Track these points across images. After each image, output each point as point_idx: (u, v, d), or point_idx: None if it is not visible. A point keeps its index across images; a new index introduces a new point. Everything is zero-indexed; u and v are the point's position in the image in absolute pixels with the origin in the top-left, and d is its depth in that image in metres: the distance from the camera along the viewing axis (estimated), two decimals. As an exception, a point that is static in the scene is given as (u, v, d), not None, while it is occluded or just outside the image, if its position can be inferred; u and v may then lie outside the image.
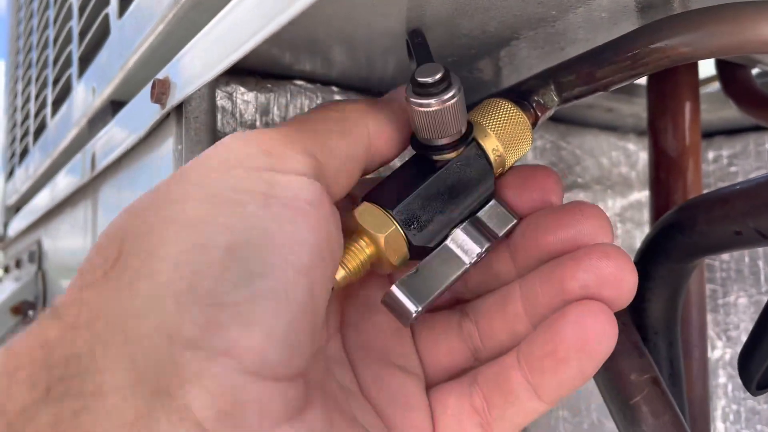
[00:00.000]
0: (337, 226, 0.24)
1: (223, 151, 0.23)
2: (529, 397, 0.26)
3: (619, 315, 0.34)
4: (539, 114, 0.30)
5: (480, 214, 0.28)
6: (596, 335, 0.24)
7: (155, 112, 0.34)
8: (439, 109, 0.26)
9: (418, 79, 0.26)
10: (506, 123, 0.29)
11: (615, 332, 0.24)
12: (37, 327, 0.20)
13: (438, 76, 0.25)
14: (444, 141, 0.27)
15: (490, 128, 0.29)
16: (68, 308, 0.20)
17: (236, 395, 0.19)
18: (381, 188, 0.28)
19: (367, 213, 0.26)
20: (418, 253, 0.27)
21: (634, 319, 0.36)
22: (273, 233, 0.21)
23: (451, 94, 0.25)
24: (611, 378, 0.32)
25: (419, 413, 0.27)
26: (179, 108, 0.33)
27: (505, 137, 0.29)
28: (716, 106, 0.53)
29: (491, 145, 0.29)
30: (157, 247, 0.20)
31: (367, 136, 0.26)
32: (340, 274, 0.26)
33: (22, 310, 0.87)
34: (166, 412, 0.18)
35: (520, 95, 0.30)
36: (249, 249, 0.21)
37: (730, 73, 0.43)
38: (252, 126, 0.36)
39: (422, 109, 0.26)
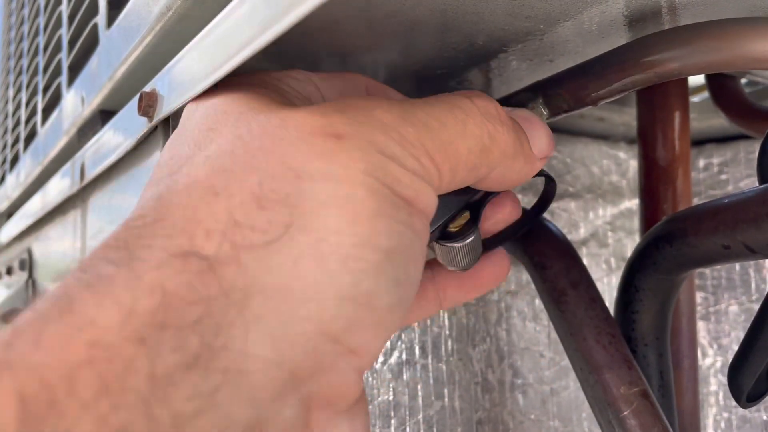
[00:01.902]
0: None
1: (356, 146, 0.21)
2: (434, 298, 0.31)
3: (608, 327, 0.34)
4: (528, 127, 0.30)
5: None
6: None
7: (143, 124, 0.34)
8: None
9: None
10: None
11: None
12: (180, 276, 0.18)
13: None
14: None
15: None
16: (224, 267, 0.18)
17: (349, 391, 0.20)
18: None
19: None
20: None
21: (623, 330, 0.36)
22: (414, 246, 0.21)
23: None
24: (600, 391, 0.32)
25: None
26: (167, 120, 0.33)
27: None
28: (706, 114, 0.53)
29: None
30: (328, 232, 0.19)
31: (487, 147, 0.25)
32: None
33: (12, 318, 0.86)
34: (294, 397, 0.19)
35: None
36: (400, 257, 0.21)
37: (719, 83, 0.43)
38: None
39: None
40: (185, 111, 0.27)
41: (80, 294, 0.17)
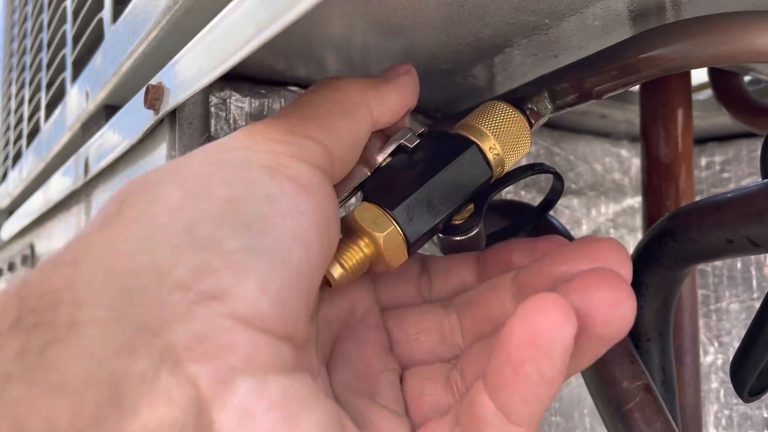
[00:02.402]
0: (335, 211, 0.24)
1: (229, 140, 0.24)
2: (501, 423, 0.22)
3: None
4: (533, 121, 0.30)
5: None
6: (546, 327, 0.19)
7: (149, 117, 0.34)
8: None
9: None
10: (504, 124, 0.29)
11: (571, 325, 0.19)
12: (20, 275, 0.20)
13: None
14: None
15: (488, 129, 0.29)
16: (52, 255, 0.20)
17: (222, 338, 0.19)
18: (380, 186, 0.28)
19: (366, 212, 0.27)
20: (414, 248, 0.27)
21: (626, 325, 0.36)
22: (275, 198, 0.22)
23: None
24: (603, 385, 0.32)
25: None
26: (173, 114, 0.33)
27: (503, 137, 0.29)
28: (709, 113, 0.53)
29: (488, 144, 0.29)
30: (156, 197, 0.20)
31: (371, 117, 0.27)
32: (338, 271, 0.26)
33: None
34: (147, 349, 0.18)
35: (514, 102, 0.30)
36: (250, 205, 0.21)
37: (723, 80, 0.43)
38: (246, 132, 0.36)
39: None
40: None
41: None
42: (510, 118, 0.29)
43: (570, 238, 0.36)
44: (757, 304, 0.54)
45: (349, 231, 0.27)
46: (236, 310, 0.19)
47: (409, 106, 0.29)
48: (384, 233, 0.26)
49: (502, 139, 0.29)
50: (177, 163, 0.22)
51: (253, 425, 0.19)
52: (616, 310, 0.21)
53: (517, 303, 0.25)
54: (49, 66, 0.71)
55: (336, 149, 0.25)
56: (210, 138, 0.35)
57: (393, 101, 0.28)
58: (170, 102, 0.32)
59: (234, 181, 0.21)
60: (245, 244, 0.20)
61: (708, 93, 0.50)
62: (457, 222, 0.29)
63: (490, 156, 0.29)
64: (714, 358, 0.57)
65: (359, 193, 0.29)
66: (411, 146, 0.28)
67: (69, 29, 0.60)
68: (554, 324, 0.19)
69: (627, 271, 0.23)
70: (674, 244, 0.33)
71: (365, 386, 0.27)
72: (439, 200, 0.27)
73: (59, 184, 0.63)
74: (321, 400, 0.21)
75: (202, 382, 0.18)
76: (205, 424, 0.18)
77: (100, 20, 0.49)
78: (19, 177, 0.98)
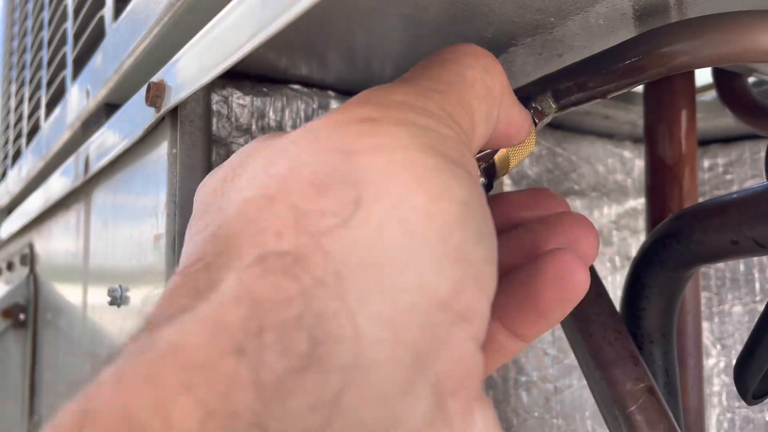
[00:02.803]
0: None
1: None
2: (510, 339, 0.25)
3: (614, 323, 0.34)
4: (536, 121, 0.30)
5: None
6: (580, 283, 0.24)
7: (150, 115, 0.34)
8: None
9: None
10: None
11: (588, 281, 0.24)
12: (266, 277, 0.16)
13: None
14: None
15: None
16: (310, 257, 0.17)
17: (471, 365, 0.18)
18: None
19: None
20: None
21: (629, 327, 0.36)
22: (482, 196, 0.20)
23: None
24: (606, 387, 0.32)
25: None
26: (174, 111, 0.33)
27: None
28: (712, 114, 0.53)
29: None
30: (400, 196, 0.18)
31: (488, 85, 0.24)
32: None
33: (13, 313, 0.86)
34: (424, 385, 0.17)
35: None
36: (476, 206, 0.19)
37: (727, 81, 0.43)
38: (247, 131, 0.36)
39: None
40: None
41: (159, 330, 0.15)
42: None
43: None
44: (760, 307, 0.54)
45: None
46: (478, 332, 0.18)
47: None
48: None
49: None
50: (384, 148, 0.19)
51: None
52: (576, 292, 0.24)
53: None
54: (49, 64, 0.71)
55: (475, 132, 0.24)
56: (212, 136, 0.34)
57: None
58: (172, 99, 0.31)
59: (462, 183, 0.19)
60: (484, 254, 0.19)
61: (711, 94, 0.50)
62: None
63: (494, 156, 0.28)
64: (716, 360, 0.56)
65: None
66: None
67: (70, 27, 0.59)
68: (584, 280, 0.24)
69: (593, 250, 0.27)
70: (678, 245, 0.32)
71: None
72: None
73: (59, 183, 0.63)
74: None
75: (456, 418, 0.18)
76: None
77: (101, 18, 0.48)
78: (18, 175, 0.97)
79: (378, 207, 0.18)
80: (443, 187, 0.18)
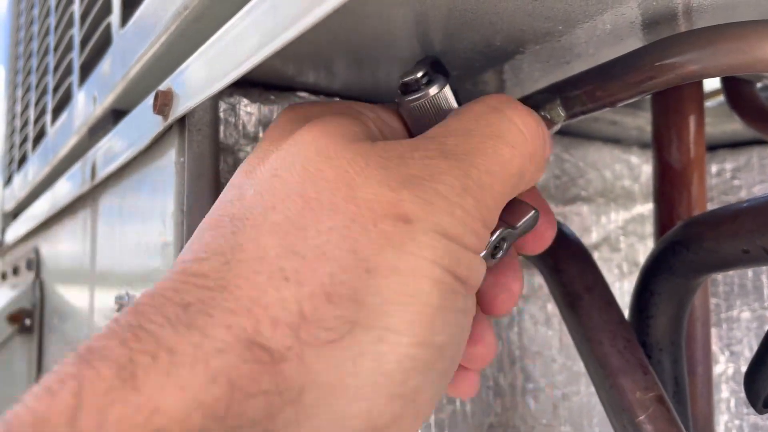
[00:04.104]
0: None
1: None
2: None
3: (623, 331, 0.34)
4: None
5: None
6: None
7: (157, 123, 0.34)
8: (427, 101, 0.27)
9: (403, 80, 0.28)
10: None
11: None
12: (246, 365, 0.17)
13: (420, 73, 0.28)
14: None
15: None
16: (286, 363, 0.18)
17: None
18: None
19: None
20: None
21: (638, 335, 0.36)
22: (465, 329, 0.22)
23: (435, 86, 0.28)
24: (615, 396, 0.32)
25: None
26: (182, 119, 0.33)
27: None
28: (719, 120, 0.53)
29: None
30: (389, 331, 0.19)
31: (525, 169, 0.25)
32: None
33: (20, 318, 0.86)
34: None
35: (526, 110, 0.30)
36: (452, 350, 0.21)
37: (735, 87, 0.42)
38: (254, 138, 0.36)
39: (412, 103, 0.28)
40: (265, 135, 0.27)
41: (145, 369, 0.17)
42: None
43: (581, 245, 0.36)
44: (768, 313, 0.54)
45: None
46: None
47: None
48: None
49: None
50: (402, 273, 0.20)
51: None
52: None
53: None
54: (55, 69, 0.71)
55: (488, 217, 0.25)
56: (218, 144, 0.34)
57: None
58: (180, 108, 0.31)
59: (448, 327, 0.22)
60: (434, 393, 0.21)
61: (719, 99, 0.50)
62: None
63: None
64: (725, 367, 0.56)
65: None
66: None
67: (76, 33, 0.59)
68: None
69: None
70: (688, 253, 0.32)
71: None
72: None
73: (65, 188, 0.63)
74: None
75: None
76: None
77: (108, 25, 0.48)
78: (24, 180, 0.98)
79: (365, 336, 0.19)
80: (430, 332, 0.20)
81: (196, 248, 0.21)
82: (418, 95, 0.28)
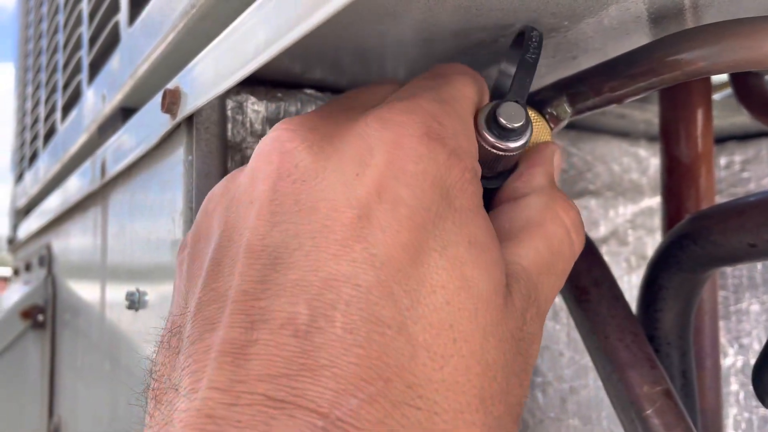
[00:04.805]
0: None
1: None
2: None
3: (630, 325, 0.34)
4: (552, 125, 0.30)
5: None
6: None
7: (165, 121, 0.34)
8: (514, 154, 0.26)
9: (501, 120, 0.25)
10: None
11: None
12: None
13: (521, 122, 0.26)
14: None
15: None
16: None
17: None
18: None
19: None
20: None
21: (646, 329, 0.36)
22: None
23: (526, 139, 0.26)
24: (623, 390, 0.32)
25: None
26: (190, 118, 0.33)
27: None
28: (728, 112, 0.53)
29: None
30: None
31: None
32: None
33: (32, 314, 0.87)
34: None
35: (533, 106, 0.30)
36: None
37: (743, 80, 0.42)
38: (261, 136, 0.36)
39: (498, 152, 0.26)
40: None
41: None
42: (533, 122, 0.29)
43: (588, 239, 0.36)
44: (778, 306, 0.54)
45: None
46: None
47: None
48: None
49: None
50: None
51: None
52: None
53: None
54: (65, 67, 0.72)
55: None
56: (227, 143, 0.34)
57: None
58: (188, 107, 0.32)
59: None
60: None
61: (727, 92, 0.49)
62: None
63: None
64: (734, 360, 0.56)
65: None
66: None
67: (85, 31, 0.60)
68: None
69: None
70: (696, 247, 0.32)
71: None
72: None
73: (76, 185, 0.63)
74: None
75: None
76: None
77: (116, 23, 0.49)
78: (35, 177, 0.98)
79: (408, 410, 0.19)
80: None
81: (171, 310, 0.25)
82: (514, 145, 0.26)
